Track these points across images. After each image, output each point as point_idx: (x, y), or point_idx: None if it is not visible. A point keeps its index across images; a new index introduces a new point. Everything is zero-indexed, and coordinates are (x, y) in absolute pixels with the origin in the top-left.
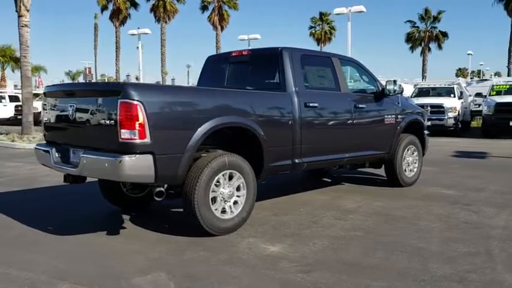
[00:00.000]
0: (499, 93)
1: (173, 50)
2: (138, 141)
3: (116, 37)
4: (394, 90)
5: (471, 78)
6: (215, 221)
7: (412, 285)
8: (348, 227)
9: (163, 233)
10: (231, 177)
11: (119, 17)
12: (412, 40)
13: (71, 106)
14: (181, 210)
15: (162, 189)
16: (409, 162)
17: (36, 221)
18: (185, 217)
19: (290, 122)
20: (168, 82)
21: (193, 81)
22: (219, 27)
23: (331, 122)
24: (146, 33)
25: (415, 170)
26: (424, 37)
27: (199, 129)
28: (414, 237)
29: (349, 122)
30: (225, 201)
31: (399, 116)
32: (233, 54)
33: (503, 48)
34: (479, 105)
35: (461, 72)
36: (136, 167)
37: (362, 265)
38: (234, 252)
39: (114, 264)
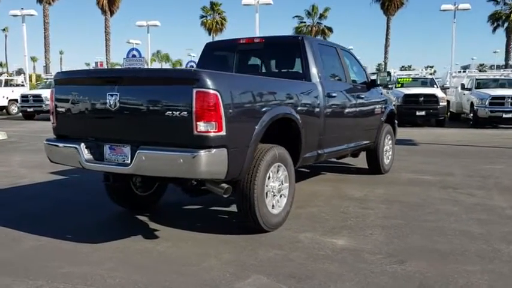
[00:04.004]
0: (402, 85)
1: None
2: (214, 134)
3: None
4: (387, 82)
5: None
6: (269, 216)
7: (504, 266)
8: (382, 216)
9: (204, 232)
10: (277, 171)
11: None
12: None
13: (112, 95)
14: (191, 206)
15: (227, 185)
16: (386, 150)
17: (43, 229)
18: (210, 213)
19: (318, 112)
20: (40, 69)
21: (67, 68)
22: (109, 12)
23: (344, 113)
24: (32, 15)
25: (390, 157)
26: (311, 32)
27: (261, 120)
28: (452, 221)
29: (355, 112)
30: (273, 195)
31: (383, 106)
32: (241, 41)
33: (378, 43)
34: None
35: None
36: (213, 162)
37: (441, 251)
38: (306, 248)
39: (198, 271)
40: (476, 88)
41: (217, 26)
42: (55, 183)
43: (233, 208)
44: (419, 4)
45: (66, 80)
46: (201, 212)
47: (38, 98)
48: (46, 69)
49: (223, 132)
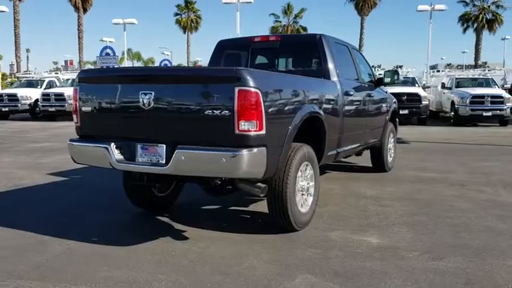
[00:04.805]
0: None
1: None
2: (254, 133)
3: None
4: (395, 81)
5: None
6: (299, 215)
7: None
8: (403, 213)
9: (232, 232)
10: (305, 169)
11: None
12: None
13: (145, 94)
14: (209, 206)
15: (264, 184)
16: (390, 148)
17: (65, 232)
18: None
19: (338, 111)
20: (5, 67)
21: (33, 66)
22: (82, 9)
23: (358, 111)
24: (3, 11)
25: (392, 155)
26: (287, 31)
27: (294, 118)
28: (472, 217)
29: (367, 111)
30: (302, 194)
31: (388, 105)
32: (256, 39)
33: (352, 43)
34: None
35: None
36: (254, 161)
37: (473, 247)
38: (342, 247)
39: (242, 272)
40: (456, 87)
41: (192, 25)
42: (60, 185)
43: (253, 208)
44: (392, 5)
45: (91, 79)
46: (221, 212)
47: (13, 98)
48: (17, 67)
49: (263, 131)
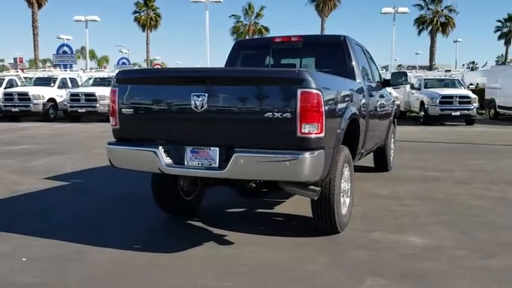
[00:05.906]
0: None
1: None
2: (315, 135)
3: None
4: (402, 82)
5: None
6: (342, 217)
7: None
8: (429, 213)
9: (273, 235)
10: (345, 171)
11: None
12: (238, 33)
13: (198, 96)
14: (235, 209)
15: (318, 188)
16: (391, 147)
17: (97, 239)
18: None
19: (365, 112)
20: None
21: None
22: (36, 5)
23: (376, 112)
24: None
25: (393, 155)
26: (249, 31)
27: (342, 120)
28: (494, 215)
29: (380, 112)
30: (342, 196)
31: (392, 106)
32: (277, 40)
33: None
34: None
35: None
36: (315, 164)
37: None
38: (391, 248)
39: (307, 277)
40: (424, 87)
41: (152, 23)
42: (65, 190)
43: (279, 209)
44: (352, 6)
45: (132, 80)
46: (251, 215)
47: None
48: None
49: (322, 134)
